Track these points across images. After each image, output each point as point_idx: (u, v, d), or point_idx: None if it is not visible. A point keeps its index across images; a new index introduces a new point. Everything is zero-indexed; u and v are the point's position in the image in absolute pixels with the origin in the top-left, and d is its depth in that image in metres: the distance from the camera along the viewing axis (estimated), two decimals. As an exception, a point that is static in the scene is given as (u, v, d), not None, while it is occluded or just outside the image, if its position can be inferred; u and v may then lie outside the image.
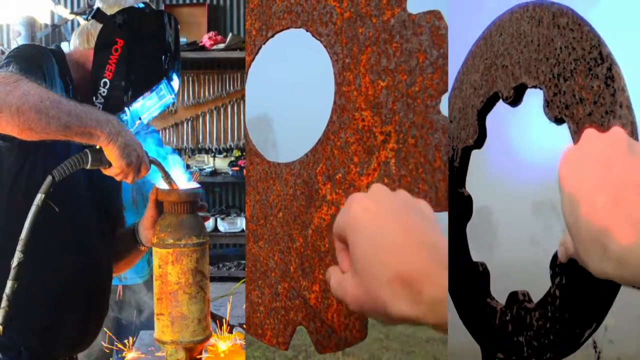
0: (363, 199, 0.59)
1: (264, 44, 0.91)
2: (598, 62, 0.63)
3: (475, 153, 0.81)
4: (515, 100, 0.74)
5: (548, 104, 0.68)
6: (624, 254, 0.49)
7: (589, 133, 0.58)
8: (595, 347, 2.63)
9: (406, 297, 0.51)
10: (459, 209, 0.80)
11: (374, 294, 0.53)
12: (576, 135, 0.64)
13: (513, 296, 0.72)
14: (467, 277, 0.79)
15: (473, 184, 0.81)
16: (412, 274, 0.52)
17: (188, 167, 4.32)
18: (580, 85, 0.64)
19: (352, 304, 0.57)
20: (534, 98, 0.71)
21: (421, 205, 0.59)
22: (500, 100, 0.76)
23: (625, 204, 0.50)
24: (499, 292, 0.77)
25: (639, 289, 0.52)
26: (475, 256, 0.80)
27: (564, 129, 0.66)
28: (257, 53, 0.92)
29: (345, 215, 0.58)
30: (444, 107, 0.71)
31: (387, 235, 0.55)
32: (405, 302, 0.51)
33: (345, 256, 0.59)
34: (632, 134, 0.61)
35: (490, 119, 0.78)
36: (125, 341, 1.78)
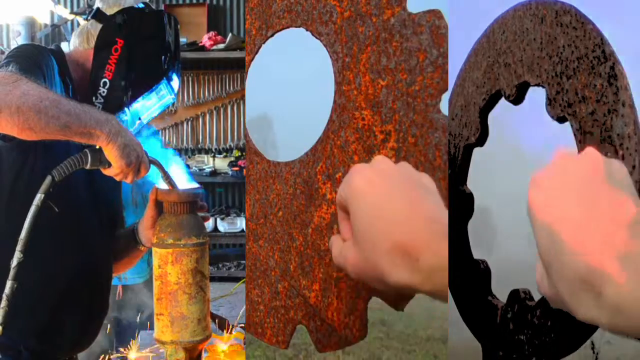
0: (365, 169, 0.59)
1: (264, 43, 0.91)
2: (601, 60, 0.62)
3: (477, 151, 0.81)
4: (517, 98, 0.74)
5: (550, 102, 0.68)
6: (622, 301, 0.45)
7: (561, 156, 0.56)
8: (593, 348, 2.63)
9: (404, 266, 0.52)
10: (460, 206, 0.80)
11: (373, 262, 0.54)
12: (579, 133, 0.64)
13: (514, 294, 0.72)
14: (468, 275, 0.79)
15: (474, 182, 0.81)
16: (411, 243, 0.52)
17: (188, 167, 4.31)
18: (583, 84, 0.64)
19: (352, 271, 0.58)
20: (536, 96, 0.71)
21: (423, 178, 0.60)
22: (503, 98, 0.76)
23: (620, 246, 0.47)
24: (500, 290, 0.77)
25: (632, 338, 0.47)
26: (476, 254, 0.79)
27: (566, 128, 0.66)
28: (257, 52, 0.92)
29: (347, 185, 0.59)
30: (444, 106, 0.71)
31: (388, 206, 0.55)
32: (403, 271, 0.52)
33: (346, 225, 0.60)
34: (635, 133, 0.60)
35: (492, 117, 0.78)
36: (130, 343, 1.77)
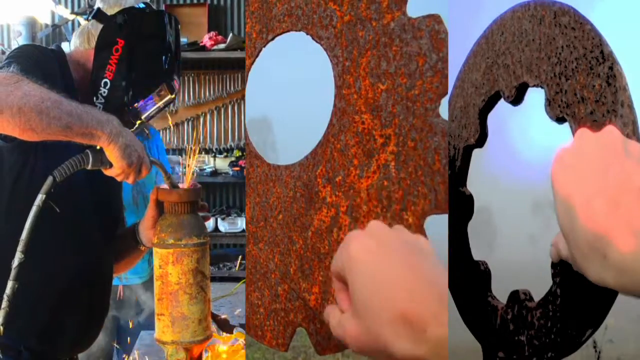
0: (362, 236, 0.57)
1: (264, 46, 0.91)
2: (599, 60, 0.62)
3: (476, 152, 0.81)
4: (516, 99, 0.74)
5: (549, 103, 0.68)
6: (625, 262, 0.48)
7: (582, 133, 0.58)
8: (595, 347, 2.64)
9: (409, 336, 0.50)
10: (460, 208, 0.80)
11: (376, 334, 0.52)
12: (577, 134, 0.64)
13: (514, 295, 0.72)
14: (468, 276, 0.79)
15: (474, 183, 0.81)
16: (414, 312, 0.50)
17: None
18: (581, 84, 0.64)
19: (353, 344, 0.55)
20: (535, 97, 0.71)
21: (420, 241, 0.58)
22: (502, 99, 0.76)
23: (625, 211, 0.49)
24: (500, 291, 0.77)
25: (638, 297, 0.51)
26: (476, 255, 0.79)
27: (565, 128, 0.66)
28: (257, 56, 0.92)
29: (344, 254, 0.57)
30: (443, 110, 0.71)
31: (388, 274, 0.53)
32: (408, 342, 0.50)
33: (344, 296, 0.57)
34: (634, 133, 0.61)
35: (492, 118, 0.78)
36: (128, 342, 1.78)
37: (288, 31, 0.88)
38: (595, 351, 2.63)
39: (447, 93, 0.70)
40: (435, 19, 0.71)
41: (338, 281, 0.58)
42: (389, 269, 0.54)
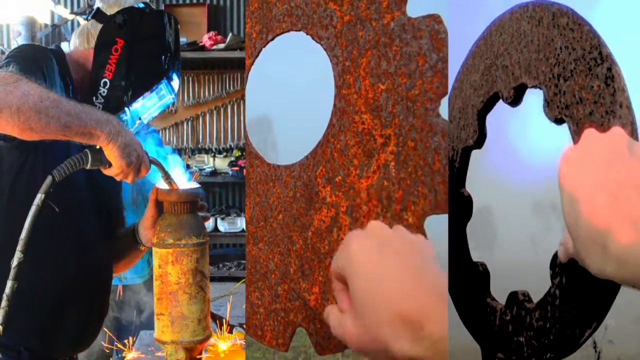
0: (362, 237, 0.58)
1: (264, 46, 0.91)
2: (598, 62, 0.63)
3: (475, 153, 0.81)
4: (515, 100, 0.74)
5: (548, 104, 0.68)
6: (624, 254, 0.49)
7: (589, 133, 0.58)
8: (595, 347, 2.64)
9: (407, 336, 0.50)
10: (459, 209, 0.80)
11: (375, 334, 0.53)
12: (576, 135, 0.64)
13: (513, 296, 0.72)
14: (467, 277, 0.79)
15: (473, 184, 0.81)
16: (413, 312, 0.51)
17: (188, 167, 4.32)
18: (580, 85, 0.64)
19: (352, 344, 0.56)
20: (534, 98, 0.71)
21: (420, 241, 0.58)
22: (500, 101, 0.76)
23: (625, 204, 0.50)
24: (499, 292, 0.77)
25: (639, 289, 0.52)
26: (475, 256, 0.80)
27: (564, 129, 0.66)
28: (257, 56, 0.92)
29: (344, 254, 0.57)
30: (443, 110, 0.71)
31: (388, 274, 0.54)
32: (407, 341, 0.50)
33: (344, 296, 0.58)
34: (632, 134, 0.61)
35: (490, 119, 0.78)
36: (126, 341, 1.78)
37: (288, 31, 0.88)
38: (595, 351, 2.63)
39: (447, 93, 0.71)
40: (435, 19, 0.71)
41: (338, 281, 0.58)
42: (389, 269, 0.54)
